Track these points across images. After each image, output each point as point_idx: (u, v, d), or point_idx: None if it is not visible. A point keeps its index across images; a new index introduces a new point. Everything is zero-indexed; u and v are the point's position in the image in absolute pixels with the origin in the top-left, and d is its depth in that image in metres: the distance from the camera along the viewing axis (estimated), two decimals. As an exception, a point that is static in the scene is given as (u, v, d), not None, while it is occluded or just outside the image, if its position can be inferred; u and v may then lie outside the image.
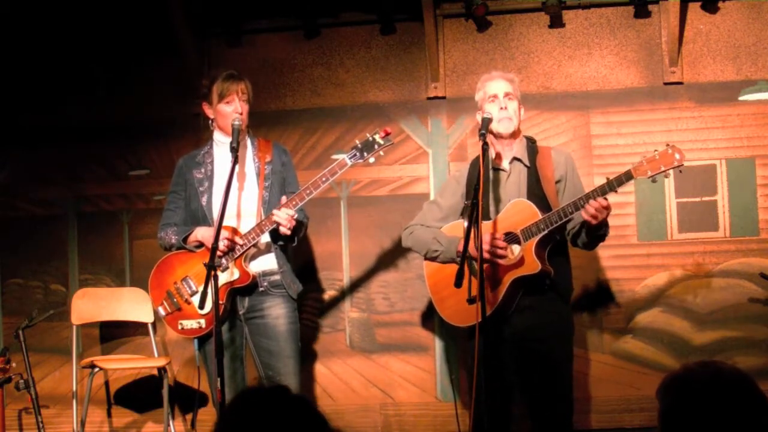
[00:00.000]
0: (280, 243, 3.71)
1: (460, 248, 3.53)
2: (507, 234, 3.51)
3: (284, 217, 3.52)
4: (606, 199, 3.38)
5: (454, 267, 3.60)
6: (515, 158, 3.64)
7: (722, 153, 4.67)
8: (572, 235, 3.62)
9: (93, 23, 4.94)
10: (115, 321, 4.85)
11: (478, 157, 3.74)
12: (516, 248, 3.51)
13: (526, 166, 3.63)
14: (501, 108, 3.60)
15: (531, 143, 3.71)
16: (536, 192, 3.57)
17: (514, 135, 3.66)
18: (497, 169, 3.65)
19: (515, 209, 3.53)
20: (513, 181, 3.62)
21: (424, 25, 4.75)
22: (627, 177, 3.38)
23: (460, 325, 3.61)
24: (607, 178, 3.40)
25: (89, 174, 5.08)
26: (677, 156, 3.33)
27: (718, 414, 1.77)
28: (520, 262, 3.47)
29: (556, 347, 3.54)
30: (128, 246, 5.03)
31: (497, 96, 3.63)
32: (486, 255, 3.42)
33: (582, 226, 3.52)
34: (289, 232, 3.55)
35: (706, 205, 4.66)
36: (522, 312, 3.51)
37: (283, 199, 3.58)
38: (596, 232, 3.49)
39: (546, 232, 3.44)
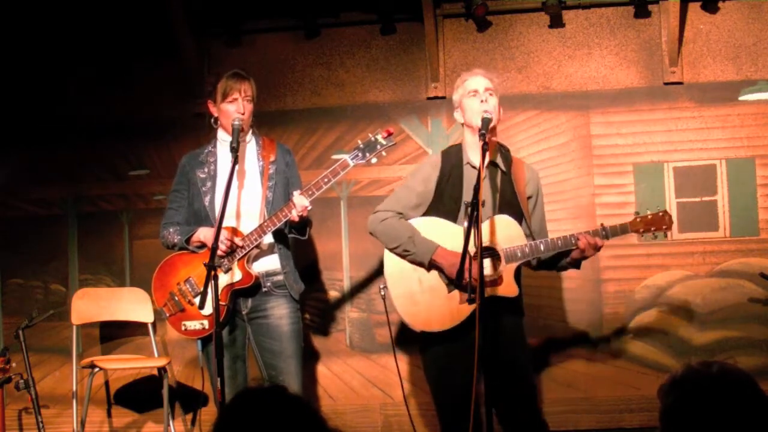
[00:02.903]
0: (292, 236, 3.71)
1: (435, 257, 3.43)
2: (486, 248, 3.41)
3: (301, 205, 3.50)
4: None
5: (417, 268, 3.51)
6: (492, 162, 3.54)
7: (722, 153, 4.68)
8: (545, 262, 3.59)
9: (93, 23, 4.94)
10: (115, 321, 4.85)
11: (449, 150, 3.66)
12: (495, 264, 3.45)
13: (502, 171, 3.56)
14: (482, 101, 3.50)
15: (505, 150, 3.64)
16: (510, 200, 3.52)
17: (492, 133, 3.50)
18: (475, 167, 3.51)
19: (499, 225, 3.45)
20: (488, 184, 3.52)
21: (424, 25, 4.75)
22: (623, 230, 3.51)
23: (425, 329, 3.49)
24: (602, 224, 3.48)
25: (89, 174, 5.08)
26: (668, 220, 3.53)
27: (722, 414, 1.76)
28: (499, 281, 3.43)
29: (517, 354, 3.48)
30: (128, 246, 5.03)
31: (478, 91, 3.53)
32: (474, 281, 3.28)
33: (560, 256, 3.54)
34: (297, 219, 3.52)
35: (706, 205, 4.67)
36: (487, 325, 3.31)
37: (295, 193, 3.57)
38: (575, 266, 3.55)
39: (529, 258, 3.45)
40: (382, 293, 3.58)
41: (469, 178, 3.50)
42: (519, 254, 3.42)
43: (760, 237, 4.62)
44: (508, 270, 3.43)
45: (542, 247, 3.42)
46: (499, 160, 3.57)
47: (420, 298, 3.48)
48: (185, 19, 4.81)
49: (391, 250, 3.55)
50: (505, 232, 3.45)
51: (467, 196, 3.43)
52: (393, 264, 3.56)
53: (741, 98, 4.69)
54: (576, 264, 3.55)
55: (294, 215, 3.52)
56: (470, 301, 3.13)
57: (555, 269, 3.66)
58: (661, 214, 3.53)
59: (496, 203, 3.52)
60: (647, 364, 4.62)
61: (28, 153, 5.09)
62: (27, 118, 5.09)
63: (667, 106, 4.72)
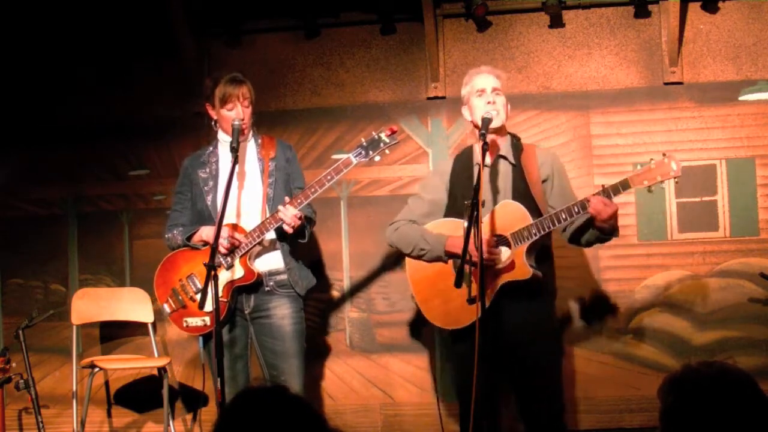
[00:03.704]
0: (289, 240, 3.72)
1: (448, 248, 3.50)
2: (496, 236, 3.45)
3: (289, 215, 3.52)
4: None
5: (437, 267, 3.58)
6: (500, 155, 3.58)
7: (722, 153, 4.67)
8: (573, 233, 3.56)
9: (93, 23, 4.94)
10: (115, 321, 4.85)
11: (461, 153, 3.71)
12: (505, 251, 3.45)
13: (511, 164, 3.57)
14: (488, 102, 3.53)
15: (516, 140, 3.65)
16: (522, 191, 3.52)
17: (500, 131, 3.58)
18: (486, 166, 3.53)
19: (504, 211, 3.47)
20: (497, 178, 3.55)
21: (424, 25, 4.75)
22: (624, 186, 3.31)
23: (446, 327, 3.56)
24: (603, 186, 3.35)
25: (89, 174, 5.08)
26: (674, 167, 3.26)
27: (721, 413, 1.77)
28: (511, 266, 3.42)
29: (541, 347, 3.48)
30: (128, 246, 5.03)
31: (485, 90, 3.56)
32: (484, 256, 3.37)
33: (587, 226, 3.47)
34: (291, 231, 3.55)
35: (706, 205, 4.67)
36: (506, 313, 3.43)
37: (286, 199, 3.58)
38: (605, 233, 3.42)
39: (537, 237, 3.41)
40: (414, 301, 3.66)
41: (479, 177, 3.50)
42: (526, 234, 3.40)
43: (760, 237, 4.62)
44: (518, 253, 3.42)
45: (548, 222, 3.39)
46: (507, 153, 3.59)
47: (441, 298, 3.50)
48: (185, 19, 4.81)
49: (409, 255, 3.66)
50: (511, 216, 3.45)
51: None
52: (413, 270, 3.66)
53: (741, 98, 4.69)
54: (610, 231, 3.40)
55: (286, 228, 3.54)
56: (470, 301, 3.15)
57: (598, 241, 3.51)
58: (667, 161, 3.27)
59: (498, 199, 3.53)
60: (647, 364, 4.62)
61: (28, 153, 5.09)
62: (27, 118, 5.09)
63: (667, 106, 4.72)
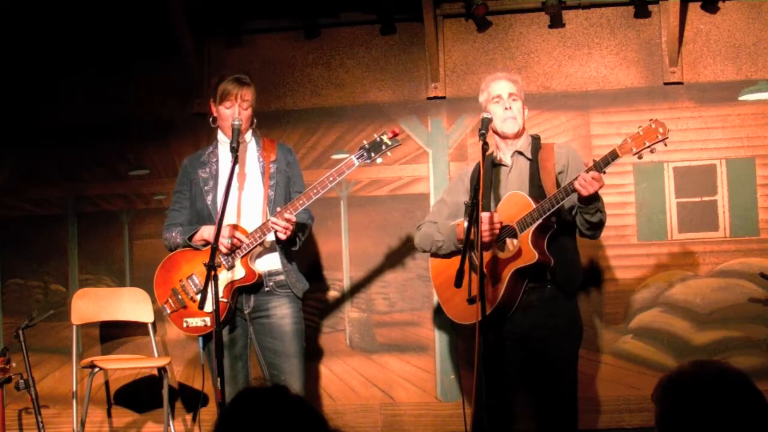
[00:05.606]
0: (283, 245, 3.72)
1: (460, 235, 3.56)
2: (504, 227, 3.51)
3: (282, 224, 3.53)
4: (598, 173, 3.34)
5: (455, 267, 3.61)
6: (517, 152, 3.65)
7: (722, 153, 4.67)
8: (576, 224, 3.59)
9: (93, 23, 4.94)
10: (115, 321, 4.85)
11: (485, 157, 3.75)
12: (514, 241, 3.50)
13: (528, 158, 3.64)
14: (505, 108, 3.62)
15: (535, 140, 3.72)
16: (537, 183, 3.58)
17: (519, 134, 3.67)
18: (499, 165, 3.67)
19: (510, 202, 3.54)
20: (515, 175, 3.63)
21: (424, 25, 4.75)
22: (612, 156, 3.36)
23: (464, 323, 3.61)
24: (594, 160, 3.38)
25: (89, 174, 5.08)
26: (660, 130, 3.32)
27: (720, 414, 1.76)
28: (518, 253, 3.46)
29: (559, 346, 3.52)
30: (128, 246, 5.03)
31: (501, 97, 3.64)
32: (487, 236, 3.41)
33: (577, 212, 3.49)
34: (284, 237, 3.56)
35: (706, 205, 4.67)
36: (524, 310, 3.50)
37: (278, 209, 3.59)
38: (588, 207, 3.40)
39: (540, 220, 3.42)
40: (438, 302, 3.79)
41: (497, 176, 3.65)
42: (529, 219, 3.44)
43: (760, 237, 4.62)
44: (524, 239, 3.45)
45: (548, 204, 3.41)
46: (525, 150, 3.66)
47: (460, 296, 3.49)
48: (185, 19, 4.81)
49: (432, 252, 3.77)
50: (516, 206, 3.49)
51: (496, 192, 3.58)
52: (436, 274, 3.78)
53: (741, 98, 4.69)
54: (587, 201, 3.38)
55: (281, 237, 3.56)
56: (470, 301, 3.16)
57: (593, 225, 3.51)
58: (654, 126, 3.34)
59: (497, 198, 3.58)
60: (647, 364, 4.62)
61: (28, 153, 5.09)
62: (27, 118, 5.09)
63: (667, 106, 4.72)
